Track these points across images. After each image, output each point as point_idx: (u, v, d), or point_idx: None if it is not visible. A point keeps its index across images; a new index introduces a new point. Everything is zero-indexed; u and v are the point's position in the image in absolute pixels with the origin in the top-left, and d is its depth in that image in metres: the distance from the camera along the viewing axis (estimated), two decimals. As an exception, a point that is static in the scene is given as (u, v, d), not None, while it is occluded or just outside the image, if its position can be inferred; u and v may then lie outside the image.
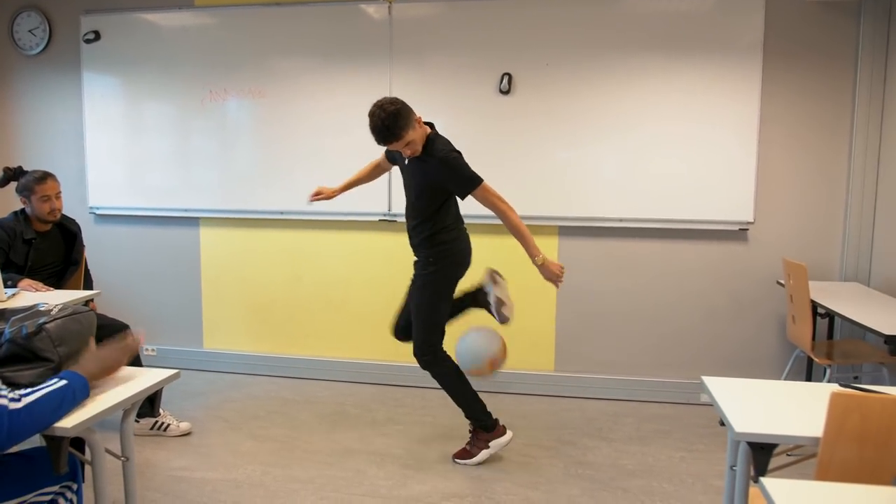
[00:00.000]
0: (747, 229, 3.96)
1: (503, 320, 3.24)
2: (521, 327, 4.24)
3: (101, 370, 1.84)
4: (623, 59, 3.93)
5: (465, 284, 3.33)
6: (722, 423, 1.79)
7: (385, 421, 3.75)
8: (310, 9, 4.25)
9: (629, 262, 4.12)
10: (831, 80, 3.85)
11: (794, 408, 1.83)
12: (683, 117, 3.91)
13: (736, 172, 3.89)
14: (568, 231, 4.14)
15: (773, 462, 1.75)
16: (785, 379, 3.78)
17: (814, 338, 3.33)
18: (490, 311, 3.27)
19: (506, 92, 4.05)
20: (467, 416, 3.22)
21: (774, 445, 1.68)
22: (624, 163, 3.99)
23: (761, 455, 1.66)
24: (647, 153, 3.96)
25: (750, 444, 1.68)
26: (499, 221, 4.17)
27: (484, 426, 3.20)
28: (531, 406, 4.01)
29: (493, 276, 3.33)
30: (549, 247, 4.17)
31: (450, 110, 4.15)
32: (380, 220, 4.31)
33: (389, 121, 2.94)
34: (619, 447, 3.43)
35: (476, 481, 3.04)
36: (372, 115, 2.96)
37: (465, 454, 3.22)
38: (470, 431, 3.24)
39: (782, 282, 3.65)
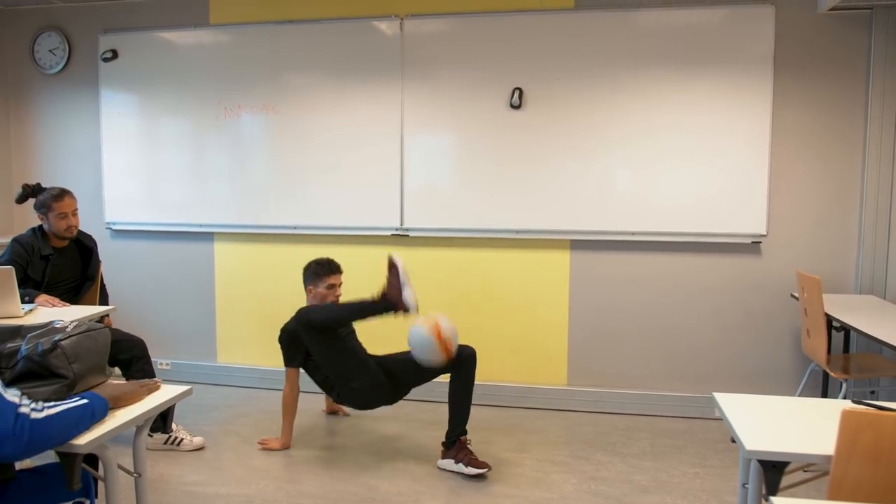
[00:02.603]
0: (760, 242, 3.94)
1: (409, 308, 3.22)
2: (533, 342, 4.25)
3: (120, 396, 1.88)
4: (634, 72, 3.94)
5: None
6: (734, 440, 1.78)
7: (397, 436, 3.74)
8: (322, 26, 4.30)
9: (641, 275, 4.10)
10: (843, 91, 3.84)
11: (806, 425, 1.81)
12: (695, 130, 3.90)
13: (748, 185, 3.87)
14: (580, 245, 4.14)
15: (788, 479, 1.73)
16: (800, 394, 3.74)
17: (829, 352, 3.30)
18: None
19: (517, 106, 4.06)
20: (462, 429, 3.26)
21: (786, 463, 1.67)
22: (635, 176, 3.99)
23: (772, 473, 1.65)
24: (659, 166, 3.95)
25: (761, 462, 1.67)
26: (504, 236, 4.20)
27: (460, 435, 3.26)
28: (544, 420, 3.99)
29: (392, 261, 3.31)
30: (560, 261, 4.18)
31: (461, 125, 4.17)
32: (392, 235, 4.33)
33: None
34: (632, 462, 3.40)
35: (488, 497, 3.02)
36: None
37: (481, 463, 3.21)
38: (456, 441, 3.26)
39: (796, 295, 3.62)
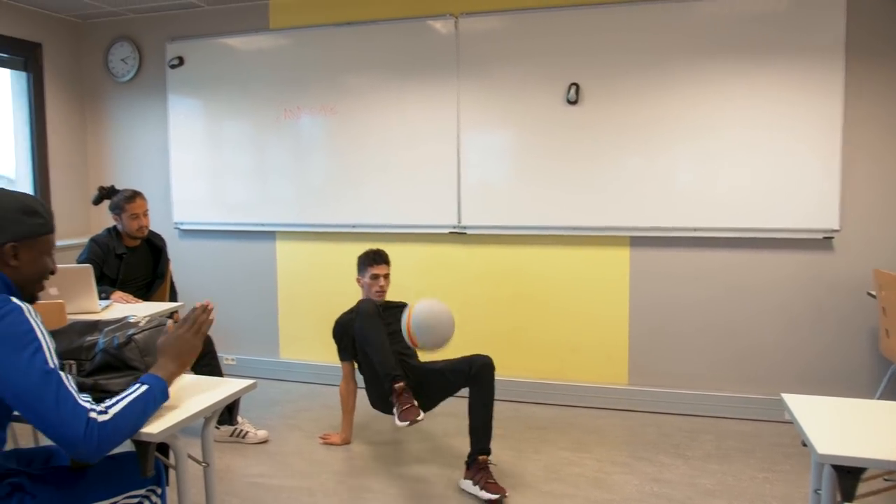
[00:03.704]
0: (832, 237, 3.78)
1: None
2: (593, 339, 4.19)
3: (179, 364, 1.83)
4: (694, 64, 3.83)
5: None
6: (805, 444, 1.71)
7: (455, 432, 3.74)
8: (379, 27, 4.34)
9: (705, 272, 3.99)
10: (923, 79, 3.64)
11: (885, 429, 1.73)
12: (760, 122, 3.77)
13: (819, 177, 3.71)
14: (640, 241, 4.06)
15: (866, 486, 1.65)
16: (879, 397, 3.57)
17: (909, 353, 3.15)
18: None
19: (573, 102, 4.01)
20: (482, 447, 3.05)
21: (862, 469, 1.59)
22: (698, 170, 3.88)
23: (847, 479, 1.57)
24: (723, 159, 3.84)
25: (835, 467, 1.60)
26: (563, 233, 4.15)
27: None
28: (604, 420, 3.93)
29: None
30: (620, 258, 4.11)
31: (517, 121, 4.15)
32: (449, 233, 4.34)
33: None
34: (696, 465, 3.31)
35: (547, 497, 3.00)
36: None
37: (497, 488, 2.95)
38: (475, 461, 3.03)
39: (873, 293, 3.46)
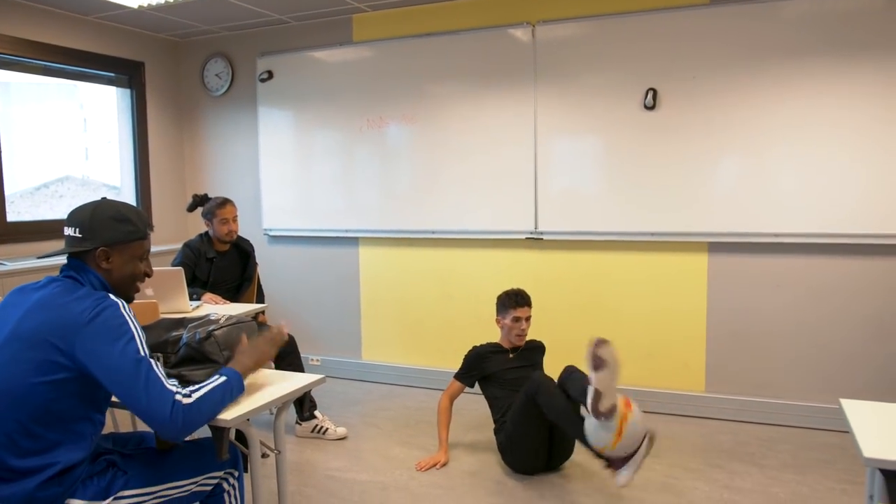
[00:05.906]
0: (927, 242, 3.57)
1: (598, 417, 2.70)
2: (669, 346, 4.14)
3: (254, 363, 2.07)
4: (778, 66, 3.71)
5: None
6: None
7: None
8: (458, 36, 4.45)
9: (787, 278, 3.86)
10: None
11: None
12: (851, 123, 3.61)
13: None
14: (718, 247, 3.97)
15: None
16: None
17: None
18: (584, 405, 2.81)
19: (650, 107, 3.98)
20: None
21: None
22: (781, 174, 3.76)
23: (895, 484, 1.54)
24: (806, 163, 3.70)
25: (883, 471, 1.56)
26: (639, 238, 4.10)
27: None
28: (679, 427, 3.87)
29: (597, 355, 2.71)
30: (698, 264, 4.03)
31: (593, 127, 4.15)
32: (526, 239, 4.39)
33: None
34: (771, 474, 3.22)
35: (614, 499, 3.00)
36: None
37: None
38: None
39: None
